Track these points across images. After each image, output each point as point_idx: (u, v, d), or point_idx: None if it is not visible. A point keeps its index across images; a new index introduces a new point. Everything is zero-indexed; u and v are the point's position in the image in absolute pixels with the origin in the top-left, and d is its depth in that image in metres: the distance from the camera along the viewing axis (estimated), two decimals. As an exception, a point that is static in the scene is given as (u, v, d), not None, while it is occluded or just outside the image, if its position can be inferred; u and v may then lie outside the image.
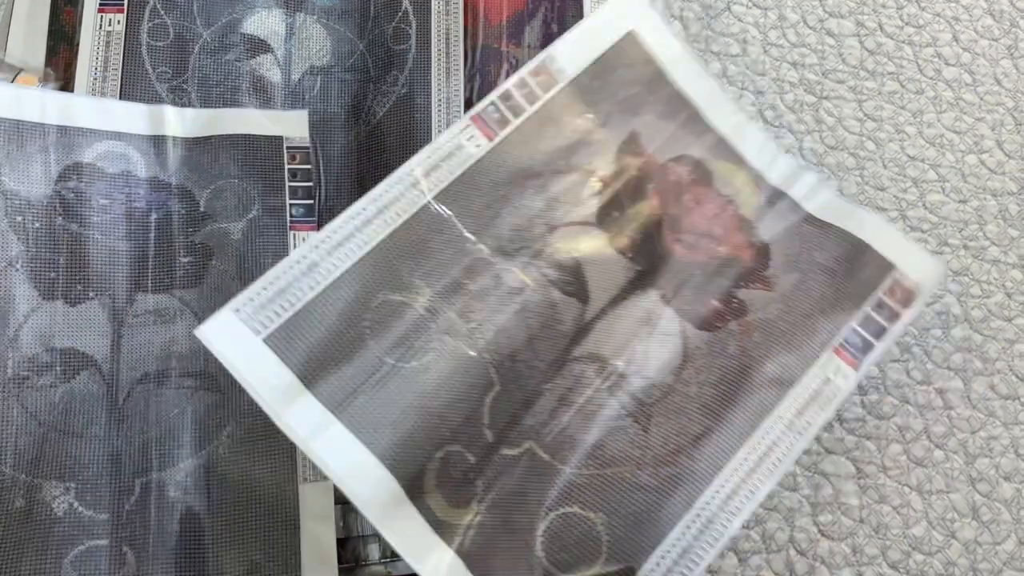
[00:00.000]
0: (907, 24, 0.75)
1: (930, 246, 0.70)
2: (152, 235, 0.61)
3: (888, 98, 0.73)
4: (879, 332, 0.57)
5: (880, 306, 0.57)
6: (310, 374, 0.50)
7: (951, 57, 0.75)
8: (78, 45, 0.68)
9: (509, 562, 0.50)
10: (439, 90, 0.69)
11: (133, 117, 0.63)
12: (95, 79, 0.67)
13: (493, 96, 0.59)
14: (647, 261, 0.58)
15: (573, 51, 0.61)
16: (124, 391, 0.57)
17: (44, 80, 0.67)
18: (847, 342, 0.56)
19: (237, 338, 0.50)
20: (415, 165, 0.56)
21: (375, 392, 0.51)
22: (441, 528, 0.49)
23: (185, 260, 0.61)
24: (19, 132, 0.61)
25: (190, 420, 0.58)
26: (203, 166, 0.63)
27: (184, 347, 0.59)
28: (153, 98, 0.67)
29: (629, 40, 0.62)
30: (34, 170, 0.60)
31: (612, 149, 0.60)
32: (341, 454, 0.49)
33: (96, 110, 0.63)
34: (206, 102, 0.67)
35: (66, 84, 0.67)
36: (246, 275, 0.61)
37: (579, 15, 0.73)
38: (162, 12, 0.69)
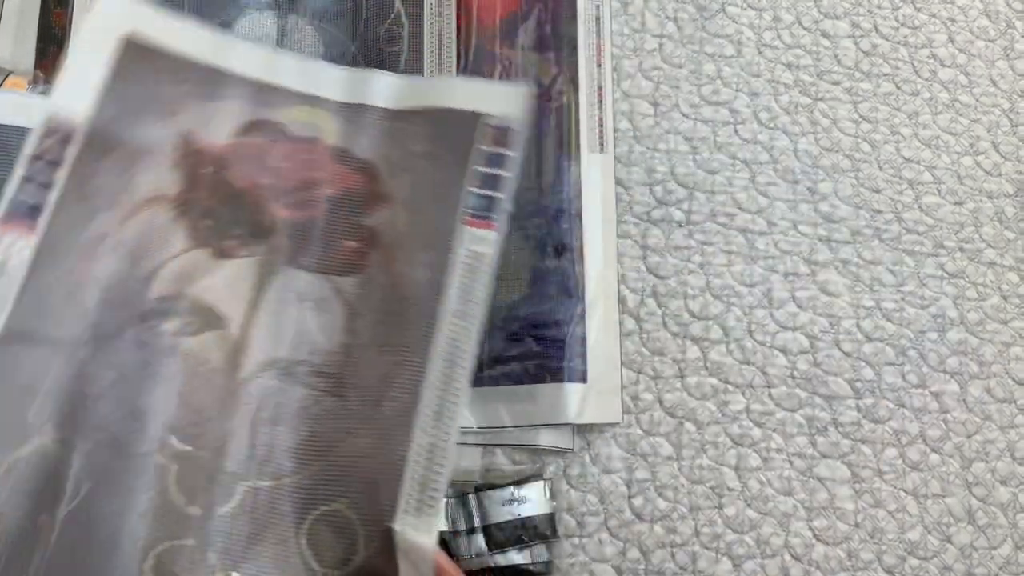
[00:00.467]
0: (903, 25, 0.75)
1: (926, 248, 0.69)
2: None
3: (884, 100, 0.73)
4: (495, 182, 0.55)
5: (484, 158, 0.55)
6: None
7: (947, 58, 0.74)
8: (68, 47, 0.67)
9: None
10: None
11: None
12: (85, 81, 0.66)
13: (10, 189, 0.52)
14: (264, 246, 0.55)
15: (75, 91, 0.55)
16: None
17: (34, 82, 0.66)
18: (472, 208, 0.54)
19: None
20: None
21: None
22: None
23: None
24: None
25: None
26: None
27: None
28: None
29: (131, 47, 0.57)
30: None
31: (168, 163, 0.56)
32: None
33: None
34: (197, 104, 0.67)
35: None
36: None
37: (573, 16, 0.72)
38: (152, 14, 0.68)
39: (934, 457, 0.65)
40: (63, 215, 0.52)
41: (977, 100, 0.73)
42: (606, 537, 0.62)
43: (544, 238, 0.67)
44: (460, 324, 0.52)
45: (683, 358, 0.66)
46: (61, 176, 0.53)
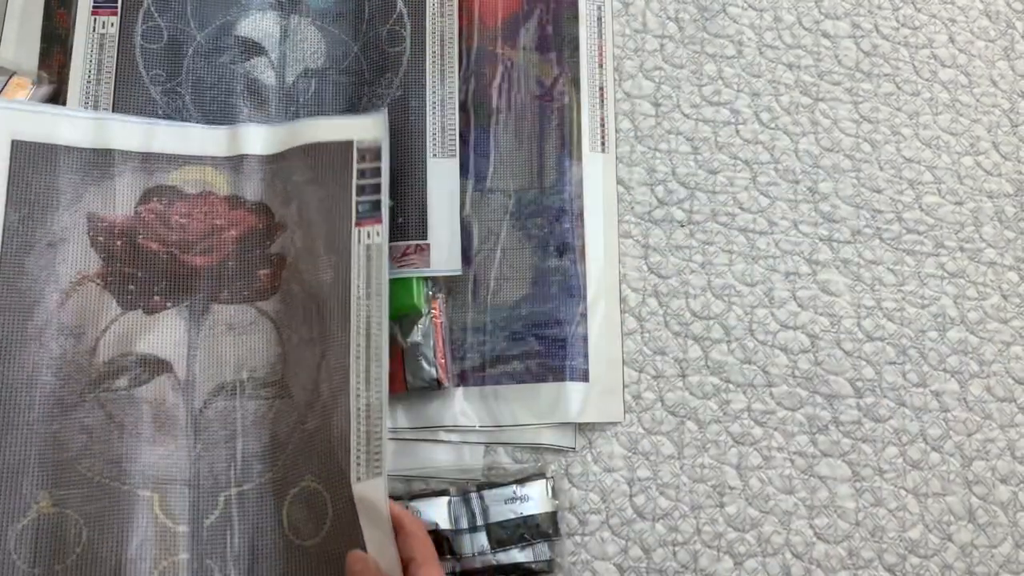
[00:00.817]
0: (903, 26, 0.75)
1: (926, 248, 0.70)
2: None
3: (884, 100, 0.73)
4: (375, 189, 0.61)
5: (364, 173, 0.62)
6: None
7: (947, 59, 0.75)
8: (71, 47, 0.68)
9: (274, 560, 0.57)
10: (434, 92, 0.68)
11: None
12: (88, 82, 0.66)
13: None
14: (187, 295, 0.62)
15: None
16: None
17: (37, 83, 0.66)
18: (360, 213, 0.61)
19: None
20: None
21: None
22: None
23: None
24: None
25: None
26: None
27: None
28: (147, 101, 0.67)
29: (19, 149, 0.61)
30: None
31: (84, 245, 0.61)
32: None
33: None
34: (199, 105, 0.67)
35: (60, 86, 0.67)
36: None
37: (575, 16, 0.72)
38: (156, 14, 0.69)
39: (934, 456, 0.65)
40: (3, 319, 0.58)
41: (977, 100, 0.74)
42: (608, 535, 0.62)
43: (546, 238, 0.67)
44: (369, 303, 0.59)
45: (684, 357, 0.66)
46: None
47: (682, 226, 0.69)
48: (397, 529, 0.54)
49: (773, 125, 0.72)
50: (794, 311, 0.67)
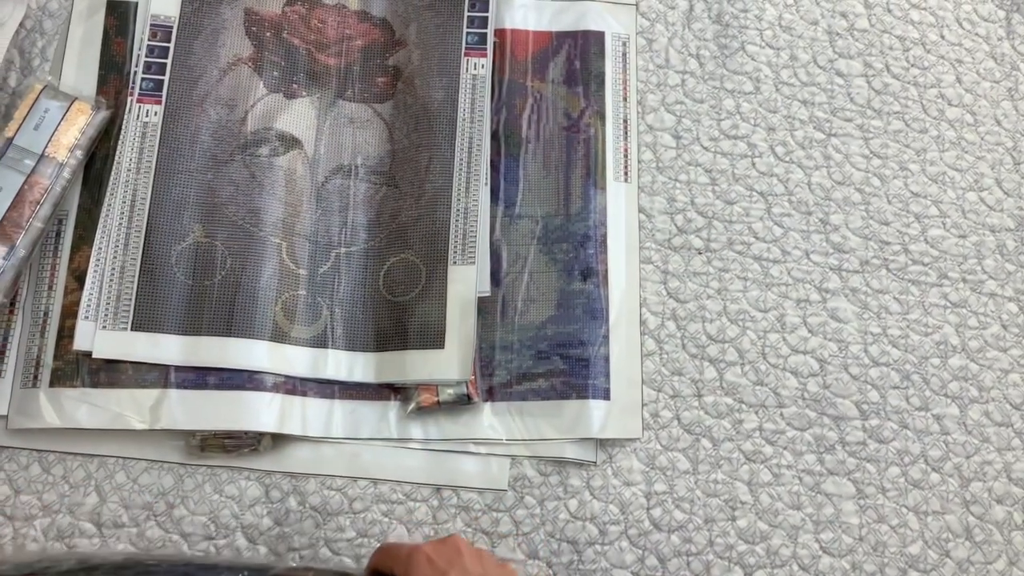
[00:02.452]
0: (913, 66, 0.79)
1: (931, 278, 0.74)
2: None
3: (893, 136, 0.77)
4: (483, 22, 0.75)
5: (474, 6, 0.76)
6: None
7: (954, 98, 0.78)
8: (128, 74, 0.72)
9: (370, 307, 0.70)
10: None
11: None
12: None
13: (138, 76, 0.72)
14: (318, 88, 0.74)
15: (164, 1, 0.75)
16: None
17: (96, 108, 0.71)
18: (469, 44, 0.74)
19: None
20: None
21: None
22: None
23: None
24: None
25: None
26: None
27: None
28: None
29: None
30: None
31: (240, 33, 0.74)
32: None
33: None
34: None
35: (116, 111, 0.71)
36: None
37: (601, 52, 0.77)
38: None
39: (934, 476, 0.69)
40: (175, 86, 0.72)
41: (982, 138, 0.78)
42: (626, 545, 0.66)
43: (571, 262, 0.71)
44: (473, 126, 0.73)
45: (700, 378, 0.70)
46: (169, 61, 0.73)
47: (700, 253, 0.73)
48: None
49: (788, 159, 0.76)
50: (804, 336, 0.71)
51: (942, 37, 0.80)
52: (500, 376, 0.69)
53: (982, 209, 0.76)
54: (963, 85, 0.79)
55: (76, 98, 0.70)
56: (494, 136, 0.74)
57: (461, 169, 0.72)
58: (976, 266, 0.74)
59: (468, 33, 0.75)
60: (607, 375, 0.69)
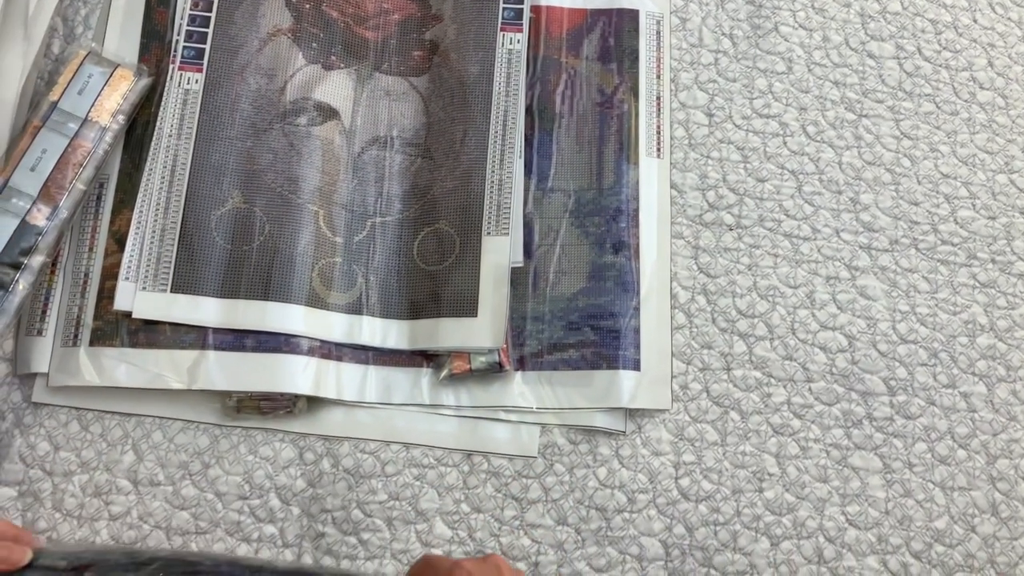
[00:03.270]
0: (944, 49, 0.79)
1: (960, 259, 0.74)
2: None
3: (924, 118, 0.77)
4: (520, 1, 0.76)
5: None
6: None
7: (985, 81, 0.79)
8: (169, 43, 0.73)
9: (404, 275, 0.71)
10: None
11: None
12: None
13: (179, 45, 0.73)
14: (356, 60, 0.75)
15: None
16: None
17: (138, 74, 0.72)
18: (505, 19, 0.76)
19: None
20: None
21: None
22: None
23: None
24: None
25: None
26: None
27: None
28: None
29: None
30: None
31: (280, 4, 0.76)
32: None
33: None
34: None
35: (158, 78, 0.73)
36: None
37: (635, 29, 0.77)
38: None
39: (961, 452, 0.70)
40: (216, 55, 0.73)
41: (1013, 121, 0.78)
42: (655, 513, 0.67)
43: (603, 236, 0.72)
44: (508, 100, 0.73)
45: (730, 352, 0.71)
46: (210, 30, 0.74)
47: (731, 229, 0.74)
48: None
49: (819, 138, 0.76)
50: (833, 313, 0.72)
51: (974, 21, 0.81)
52: (531, 346, 0.70)
53: (1012, 191, 0.76)
54: (995, 69, 0.80)
55: (119, 64, 0.71)
56: (528, 111, 0.75)
57: (496, 142, 0.72)
58: (1005, 247, 0.75)
59: (504, 8, 0.76)
60: (637, 346, 0.70)
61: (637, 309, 0.71)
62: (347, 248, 0.71)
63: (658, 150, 0.75)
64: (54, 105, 0.69)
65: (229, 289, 0.68)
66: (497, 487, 0.67)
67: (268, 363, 0.66)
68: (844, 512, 0.68)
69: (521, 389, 0.69)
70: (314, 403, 0.67)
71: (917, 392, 0.71)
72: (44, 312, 0.67)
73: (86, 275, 0.68)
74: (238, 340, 0.67)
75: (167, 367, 0.66)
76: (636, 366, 0.69)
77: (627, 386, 0.69)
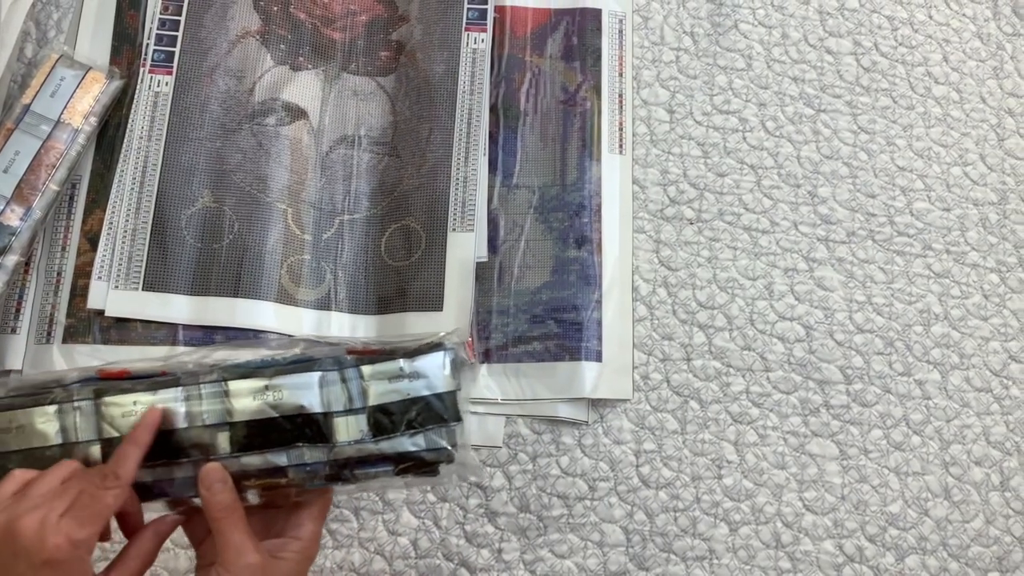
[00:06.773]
0: (901, 44, 0.81)
1: (915, 250, 0.76)
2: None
3: (881, 113, 0.79)
4: None
5: None
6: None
7: (940, 76, 0.81)
8: (140, 46, 0.75)
9: (371, 271, 0.72)
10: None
11: None
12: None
13: (150, 48, 0.75)
14: (323, 61, 0.77)
15: None
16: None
17: (110, 77, 0.73)
18: (469, 19, 0.77)
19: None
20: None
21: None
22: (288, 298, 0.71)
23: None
24: None
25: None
26: None
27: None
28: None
29: None
30: None
31: (249, 7, 0.77)
32: None
33: None
34: None
35: (129, 80, 0.74)
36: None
37: (598, 28, 0.79)
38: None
39: (915, 439, 0.72)
40: (186, 57, 0.75)
41: (967, 115, 0.80)
42: (615, 501, 0.69)
43: (566, 231, 0.74)
44: (472, 98, 0.75)
45: (690, 343, 0.72)
46: (180, 33, 0.75)
47: (691, 223, 0.75)
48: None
49: (778, 133, 0.78)
50: (791, 304, 0.74)
51: (930, 17, 0.83)
52: (496, 339, 0.72)
53: (966, 183, 0.78)
54: (950, 64, 0.81)
55: (91, 67, 0.73)
56: (493, 109, 0.77)
57: (461, 140, 0.74)
58: (959, 238, 0.77)
59: (469, 8, 0.78)
60: (599, 338, 0.71)
61: (599, 302, 0.72)
62: (315, 245, 0.73)
63: (620, 146, 0.77)
64: (27, 108, 0.70)
65: (200, 287, 0.70)
66: (462, 475, 0.69)
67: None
68: (801, 498, 0.70)
69: (487, 381, 0.71)
70: (283, 397, 0.69)
71: (873, 380, 0.73)
72: (18, 310, 0.69)
73: (59, 274, 0.70)
74: (208, 336, 0.69)
75: None
76: (598, 357, 0.71)
77: (589, 377, 0.70)
